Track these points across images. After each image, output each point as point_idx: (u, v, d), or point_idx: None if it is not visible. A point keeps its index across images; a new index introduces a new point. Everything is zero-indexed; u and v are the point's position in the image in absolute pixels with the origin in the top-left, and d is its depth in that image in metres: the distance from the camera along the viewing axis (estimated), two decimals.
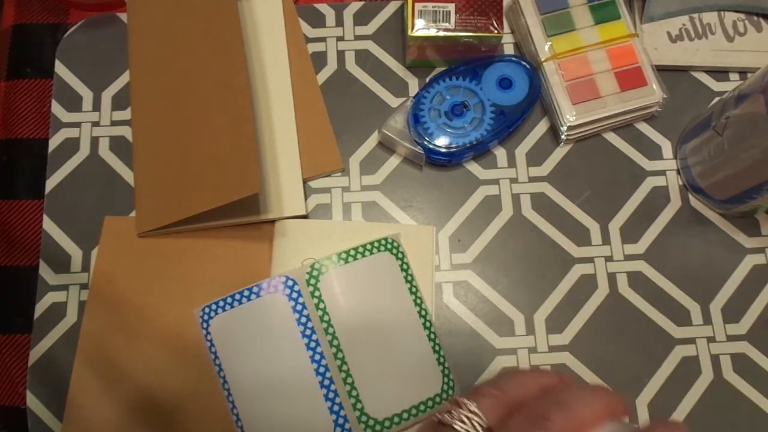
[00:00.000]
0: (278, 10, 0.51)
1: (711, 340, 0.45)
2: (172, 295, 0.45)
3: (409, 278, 0.45)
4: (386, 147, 0.49)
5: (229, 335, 0.43)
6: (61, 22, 0.53)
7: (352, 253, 0.44)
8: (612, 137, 0.50)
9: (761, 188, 0.42)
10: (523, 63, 0.49)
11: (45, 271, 0.46)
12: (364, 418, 0.41)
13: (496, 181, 0.49)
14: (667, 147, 0.50)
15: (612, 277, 0.46)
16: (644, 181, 0.49)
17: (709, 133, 0.44)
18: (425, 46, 0.48)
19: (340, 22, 0.52)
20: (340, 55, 0.51)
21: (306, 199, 0.48)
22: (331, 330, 0.42)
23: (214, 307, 0.43)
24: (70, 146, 0.49)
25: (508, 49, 0.52)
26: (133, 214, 0.47)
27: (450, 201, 0.48)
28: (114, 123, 0.50)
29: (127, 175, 0.48)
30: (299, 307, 0.43)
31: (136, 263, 0.45)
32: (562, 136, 0.48)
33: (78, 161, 0.49)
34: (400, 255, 0.45)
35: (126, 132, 0.49)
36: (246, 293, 0.43)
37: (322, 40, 0.52)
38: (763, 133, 0.39)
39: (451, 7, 0.47)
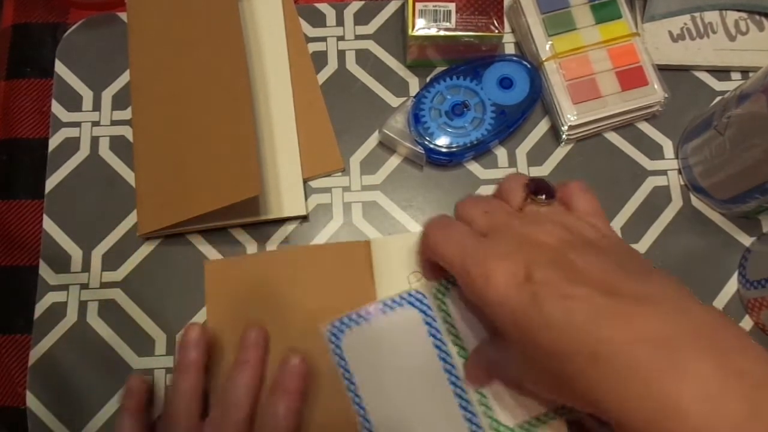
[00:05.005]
0: (278, 9, 0.51)
1: None
2: (287, 324, 0.44)
3: None
4: (386, 147, 0.49)
5: (361, 350, 0.42)
6: (61, 22, 0.53)
7: None
8: (613, 137, 0.50)
9: (763, 188, 0.41)
10: (524, 62, 0.49)
11: (45, 271, 0.46)
12: (495, 425, 0.40)
13: (497, 181, 0.48)
14: (668, 146, 0.49)
15: None
16: (645, 181, 0.48)
17: (710, 133, 0.44)
18: (426, 45, 0.48)
19: (340, 22, 0.52)
20: (341, 54, 0.51)
21: (306, 199, 0.47)
22: (458, 342, 0.41)
23: (342, 322, 0.42)
24: (70, 146, 0.49)
25: (509, 49, 0.52)
26: (137, 214, 0.47)
27: (451, 201, 0.48)
28: (114, 123, 0.50)
29: (127, 175, 0.48)
30: (429, 320, 0.42)
31: (245, 303, 0.45)
32: (563, 136, 0.48)
33: (78, 161, 0.49)
34: None
35: (126, 132, 0.49)
36: (374, 308, 0.42)
37: (323, 39, 0.52)
38: (765, 132, 0.39)
39: (452, 6, 0.46)
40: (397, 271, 0.44)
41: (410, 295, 0.43)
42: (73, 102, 0.50)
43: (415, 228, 0.47)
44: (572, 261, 0.29)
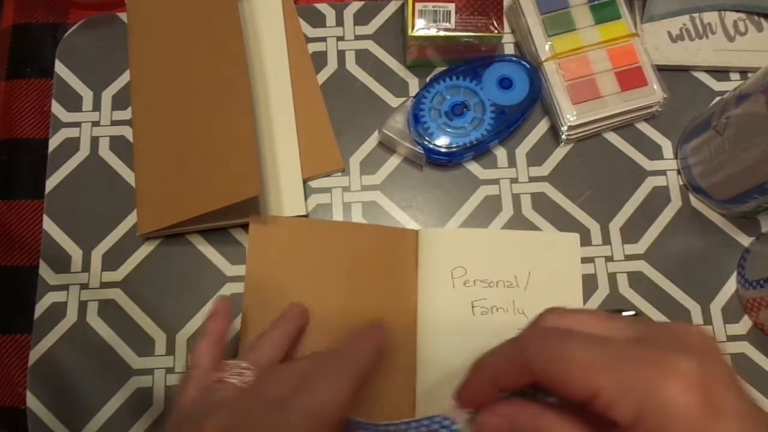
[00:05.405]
0: (278, 9, 0.51)
1: None
2: (322, 295, 0.43)
3: None
4: (386, 147, 0.49)
5: None
6: (61, 22, 0.53)
7: None
8: (612, 137, 0.50)
9: (762, 188, 0.41)
10: (524, 63, 0.49)
11: (45, 271, 0.46)
12: None
13: (496, 181, 0.48)
14: (667, 147, 0.49)
15: (612, 277, 0.46)
16: (645, 181, 0.48)
17: (709, 133, 0.44)
18: (425, 45, 0.48)
19: (340, 22, 0.52)
20: (341, 54, 0.51)
21: (306, 199, 0.48)
22: None
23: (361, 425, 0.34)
24: (70, 146, 0.49)
25: (509, 49, 0.52)
26: (144, 213, 0.47)
27: (450, 201, 0.48)
28: (114, 123, 0.50)
29: (127, 175, 0.48)
30: None
31: (284, 265, 0.44)
32: (563, 136, 0.48)
33: (78, 161, 0.49)
34: None
35: (126, 132, 0.49)
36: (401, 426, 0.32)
37: (323, 39, 0.52)
38: (764, 132, 0.39)
39: (452, 6, 0.47)
40: (441, 264, 0.44)
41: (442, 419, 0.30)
42: (73, 102, 0.50)
43: (415, 227, 0.47)
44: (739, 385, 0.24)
